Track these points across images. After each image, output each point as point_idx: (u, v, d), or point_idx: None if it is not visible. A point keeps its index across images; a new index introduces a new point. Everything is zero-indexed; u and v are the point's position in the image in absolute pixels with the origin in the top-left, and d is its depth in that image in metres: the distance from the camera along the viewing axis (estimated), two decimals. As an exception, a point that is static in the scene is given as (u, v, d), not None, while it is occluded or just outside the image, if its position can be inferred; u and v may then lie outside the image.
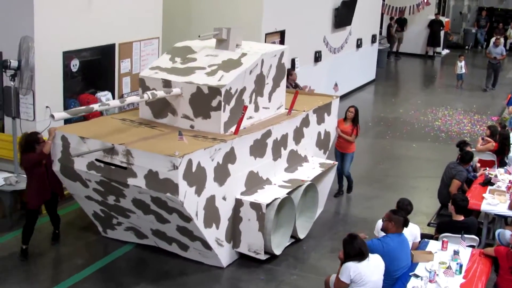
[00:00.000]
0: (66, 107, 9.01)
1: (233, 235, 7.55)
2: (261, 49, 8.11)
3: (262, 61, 7.80)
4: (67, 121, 8.34)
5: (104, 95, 9.64)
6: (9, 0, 8.56)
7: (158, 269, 7.47)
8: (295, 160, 8.68)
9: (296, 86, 11.51)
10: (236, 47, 8.01)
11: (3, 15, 8.61)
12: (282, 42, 13.16)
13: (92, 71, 9.96)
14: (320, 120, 9.24)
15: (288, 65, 10.39)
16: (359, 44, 17.73)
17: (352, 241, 5.75)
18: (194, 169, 6.54)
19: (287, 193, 7.73)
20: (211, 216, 7.08)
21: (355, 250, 5.70)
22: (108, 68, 9.95)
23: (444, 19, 24.70)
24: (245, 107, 7.40)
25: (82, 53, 9.55)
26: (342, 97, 16.64)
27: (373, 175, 11.43)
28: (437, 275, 6.20)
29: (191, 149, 6.52)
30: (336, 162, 9.33)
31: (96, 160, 6.79)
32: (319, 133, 9.31)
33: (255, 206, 7.30)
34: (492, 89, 18.58)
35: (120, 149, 6.62)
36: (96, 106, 6.72)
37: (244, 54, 7.77)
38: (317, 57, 14.98)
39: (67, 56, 9.17)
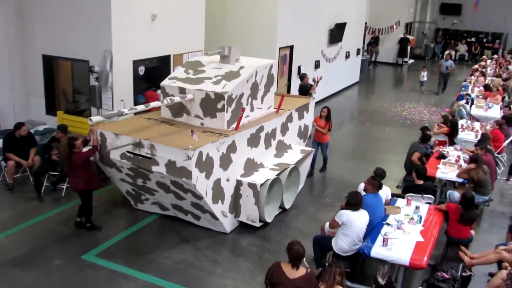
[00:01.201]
0: (135, 101, 10.67)
1: (235, 208, 8.57)
2: (255, 63, 9.00)
3: (256, 72, 8.78)
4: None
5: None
6: (94, 24, 10.19)
7: (177, 234, 8.40)
8: (282, 148, 9.82)
9: (310, 86, 13.39)
10: (236, 61, 8.97)
11: (90, 34, 10.27)
12: (291, 53, 15.44)
13: (154, 75, 11.36)
14: (301, 117, 10.48)
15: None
16: (347, 56, 20.55)
17: (356, 194, 7.05)
18: (204, 158, 7.48)
19: (276, 175, 8.80)
20: (218, 194, 8.02)
21: (355, 200, 6.94)
22: (165, 73, 11.21)
23: (410, 37, 28.42)
24: (243, 109, 8.42)
25: (146, 61, 11.08)
26: (335, 94, 19.31)
27: (356, 151, 13.29)
28: (403, 224, 7.25)
29: (201, 143, 7.41)
30: (313, 149, 10.61)
31: (127, 152, 7.74)
32: (300, 127, 10.55)
33: (252, 185, 8.33)
34: (442, 93, 20.52)
35: (146, 143, 7.53)
36: (125, 110, 7.51)
37: (242, 67, 8.71)
38: (317, 65, 17.55)
39: (136, 63, 10.81)
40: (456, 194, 8.71)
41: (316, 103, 17.10)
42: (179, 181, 7.46)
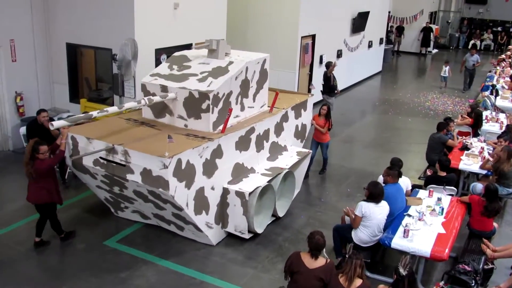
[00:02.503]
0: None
1: (222, 218, 7.83)
2: (246, 57, 8.25)
3: (247, 68, 8.02)
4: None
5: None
6: (117, 13, 10.27)
7: (161, 244, 7.74)
8: (276, 150, 9.03)
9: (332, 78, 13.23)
10: (226, 56, 8.24)
11: (113, 23, 10.35)
12: (313, 42, 15.28)
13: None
14: (298, 115, 9.66)
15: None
16: (370, 45, 20.37)
17: (376, 184, 7.01)
18: (183, 166, 6.73)
19: (268, 181, 8.04)
20: (201, 204, 7.30)
21: (377, 191, 6.90)
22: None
23: (434, 26, 27.92)
24: (230, 110, 7.60)
25: (168, 50, 11.02)
26: (357, 84, 19.18)
27: (378, 141, 13.20)
28: (425, 215, 7.20)
29: (180, 150, 6.65)
30: (311, 151, 9.81)
31: (101, 158, 7.00)
32: (297, 126, 9.72)
33: (240, 194, 7.58)
34: (469, 89, 19.40)
35: (119, 149, 6.78)
36: (95, 113, 6.82)
37: (231, 62, 7.96)
38: (339, 54, 17.36)
39: (158, 52, 10.88)
40: (479, 186, 8.59)
41: (340, 91, 17.14)
42: (156, 191, 6.79)
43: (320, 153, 10.64)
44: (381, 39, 22.04)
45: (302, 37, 14.76)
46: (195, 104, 7.50)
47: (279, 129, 9.02)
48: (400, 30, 27.09)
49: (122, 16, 10.22)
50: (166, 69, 8.14)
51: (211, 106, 7.41)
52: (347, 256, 5.58)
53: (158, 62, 10.80)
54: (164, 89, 7.68)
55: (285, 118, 9.18)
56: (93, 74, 11.68)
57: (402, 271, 5.21)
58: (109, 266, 7.20)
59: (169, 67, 8.19)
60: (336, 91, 13.48)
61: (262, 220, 8.28)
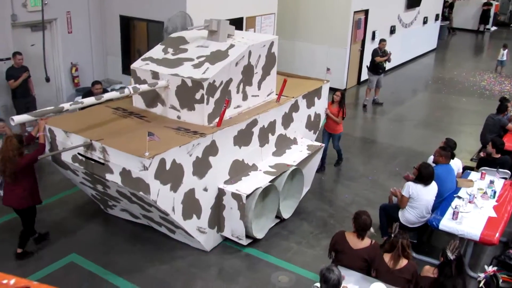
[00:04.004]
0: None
1: (218, 221, 7.02)
2: (249, 40, 7.33)
3: (250, 52, 7.07)
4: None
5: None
6: None
7: (152, 245, 7.10)
8: (284, 143, 8.09)
9: (385, 52, 13.07)
10: (228, 37, 7.34)
11: None
12: (366, 18, 14.93)
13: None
14: (310, 104, 8.63)
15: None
16: (425, 21, 19.64)
17: (428, 167, 6.85)
18: (168, 167, 5.87)
19: (272, 180, 7.20)
20: (191, 208, 6.47)
21: (427, 173, 6.75)
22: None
23: (494, 2, 26.42)
24: (227, 101, 6.71)
25: None
26: (410, 61, 18.64)
27: (429, 120, 12.87)
28: (476, 198, 7.04)
29: (164, 148, 5.80)
30: (323, 144, 8.80)
31: (79, 154, 6.21)
32: (309, 116, 8.71)
33: (236, 196, 6.70)
34: None
35: (97, 146, 5.97)
36: (66, 105, 5.92)
37: (232, 46, 7.04)
38: (392, 30, 16.90)
39: None
40: (534, 170, 8.29)
41: (391, 69, 16.84)
42: (137, 194, 5.95)
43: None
44: (437, 15, 21.21)
45: (354, 12, 14.43)
46: (188, 94, 6.61)
47: (287, 120, 8.04)
48: (451, 6, 26.00)
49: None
50: (160, 53, 7.25)
51: (205, 96, 6.49)
52: (392, 235, 5.53)
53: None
54: (156, 75, 6.81)
55: (295, 107, 8.17)
56: (145, 47, 11.85)
57: (450, 255, 5.12)
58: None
59: (164, 50, 7.31)
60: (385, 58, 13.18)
61: (264, 224, 7.47)
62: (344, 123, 9.62)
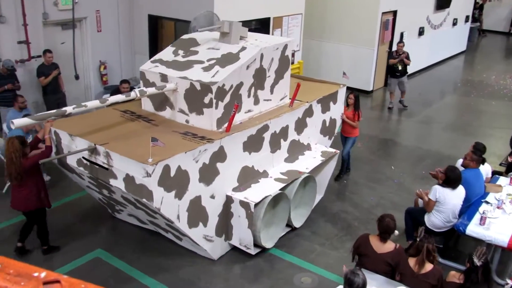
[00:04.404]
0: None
1: (225, 229, 6.84)
2: (262, 42, 7.13)
3: (262, 55, 6.88)
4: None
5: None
6: None
7: (158, 252, 7.00)
8: (297, 149, 7.86)
9: (398, 53, 12.90)
10: (241, 40, 7.16)
11: None
12: (394, 19, 14.82)
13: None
14: (325, 109, 8.37)
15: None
16: (455, 23, 19.35)
17: (454, 169, 6.76)
18: (173, 173, 5.69)
19: (283, 187, 6.99)
20: (197, 216, 6.29)
21: (454, 176, 6.65)
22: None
23: None
24: (236, 106, 6.40)
25: (247, 23, 10.98)
26: (439, 63, 18.32)
27: (458, 123, 12.66)
28: (504, 203, 6.87)
29: (169, 154, 5.61)
30: (338, 151, 8.39)
31: (83, 158, 6.09)
32: (324, 121, 8.44)
33: (244, 204, 6.52)
34: None
35: (101, 150, 5.83)
36: (69, 109, 5.76)
37: (243, 48, 6.88)
38: (421, 32, 16.69)
39: None
40: None
41: (419, 71, 16.63)
42: (141, 201, 5.79)
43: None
44: (467, 17, 20.90)
45: (382, 13, 14.31)
46: (197, 98, 6.43)
47: (301, 125, 7.79)
48: (481, 8, 25.55)
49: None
50: (170, 55, 7.10)
51: (214, 101, 6.31)
52: (418, 239, 5.47)
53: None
54: (164, 78, 6.65)
55: (309, 112, 7.91)
56: (173, 46, 12.00)
57: (477, 261, 5.05)
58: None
59: (174, 52, 7.15)
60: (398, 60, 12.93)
61: (274, 233, 7.24)
62: (370, 125, 9.55)
